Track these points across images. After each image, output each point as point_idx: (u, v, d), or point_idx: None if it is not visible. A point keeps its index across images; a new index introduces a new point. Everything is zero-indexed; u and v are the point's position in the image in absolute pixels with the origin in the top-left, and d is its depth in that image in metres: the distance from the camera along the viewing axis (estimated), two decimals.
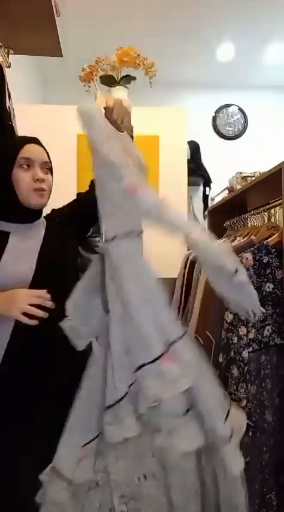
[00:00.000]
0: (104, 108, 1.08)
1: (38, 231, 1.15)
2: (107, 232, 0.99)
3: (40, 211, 1.17)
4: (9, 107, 1.42)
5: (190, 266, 1.91)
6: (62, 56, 1.79)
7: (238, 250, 1.33)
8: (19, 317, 0.95)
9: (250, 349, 1.18)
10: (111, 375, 0.95)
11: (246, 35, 2.98)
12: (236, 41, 3.08)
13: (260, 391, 1.21)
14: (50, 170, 1.16)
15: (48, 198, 1.16)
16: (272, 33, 2.97)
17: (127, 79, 2.22)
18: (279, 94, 3.77)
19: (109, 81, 2.22)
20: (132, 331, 0.95)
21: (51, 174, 1.17)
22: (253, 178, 2.70)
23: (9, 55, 1.60)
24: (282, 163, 1.25)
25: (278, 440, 1.24)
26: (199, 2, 2.59)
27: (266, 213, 1.69)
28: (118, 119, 1.08)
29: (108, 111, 1.07)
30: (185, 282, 1.95)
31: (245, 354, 1.16)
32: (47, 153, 1.15)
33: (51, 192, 1.17)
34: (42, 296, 0.97)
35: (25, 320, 0.95)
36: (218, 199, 3.14)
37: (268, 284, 1.24)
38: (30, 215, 1.14)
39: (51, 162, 1.17)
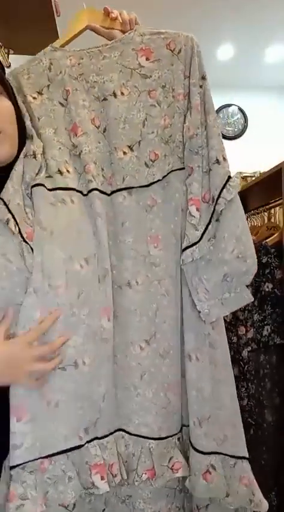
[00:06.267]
0: None
1: None
2: None
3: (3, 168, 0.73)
4: None
5: None
6: None
7: None
8: (31, 383, 0.70)
9: (249, 348, 1.18)
10: None
11: (246, 35, 2.98)
12: (236, 41, 3.08)
13: (259, 391, 1.21)
14: (4, 93, 0.69)
15: (12, 140, 0.70)
16: (272, 33, 2.97)
17: None
18: (279, 94, 3.77)
19: None
20: None
21: (9, 97, 0.70)
22: (253, 178, 2.70)
23: (9, 55, 1.60)
24: (282, 163, 1.25)
25: (277, 440, 1.24)
26: (199, 1, 2.59)
27: (266, 213, 1.69)
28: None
29: None
30: None
31: (244, 353, 1.16)
32: None
33: (16, 130, 0.70)
34: (52, 347, 0.71)
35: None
36: None
37: (267, 284, 1.24)
38: None
39: (2, 78, 0.67)
